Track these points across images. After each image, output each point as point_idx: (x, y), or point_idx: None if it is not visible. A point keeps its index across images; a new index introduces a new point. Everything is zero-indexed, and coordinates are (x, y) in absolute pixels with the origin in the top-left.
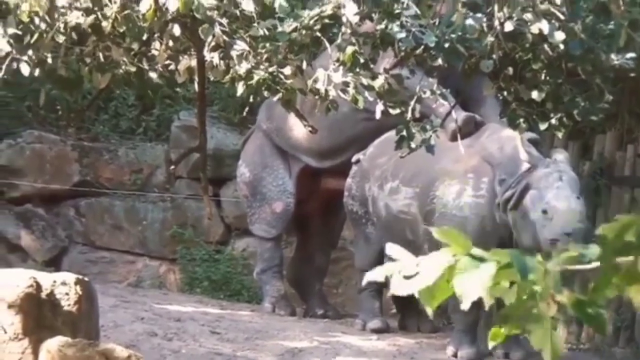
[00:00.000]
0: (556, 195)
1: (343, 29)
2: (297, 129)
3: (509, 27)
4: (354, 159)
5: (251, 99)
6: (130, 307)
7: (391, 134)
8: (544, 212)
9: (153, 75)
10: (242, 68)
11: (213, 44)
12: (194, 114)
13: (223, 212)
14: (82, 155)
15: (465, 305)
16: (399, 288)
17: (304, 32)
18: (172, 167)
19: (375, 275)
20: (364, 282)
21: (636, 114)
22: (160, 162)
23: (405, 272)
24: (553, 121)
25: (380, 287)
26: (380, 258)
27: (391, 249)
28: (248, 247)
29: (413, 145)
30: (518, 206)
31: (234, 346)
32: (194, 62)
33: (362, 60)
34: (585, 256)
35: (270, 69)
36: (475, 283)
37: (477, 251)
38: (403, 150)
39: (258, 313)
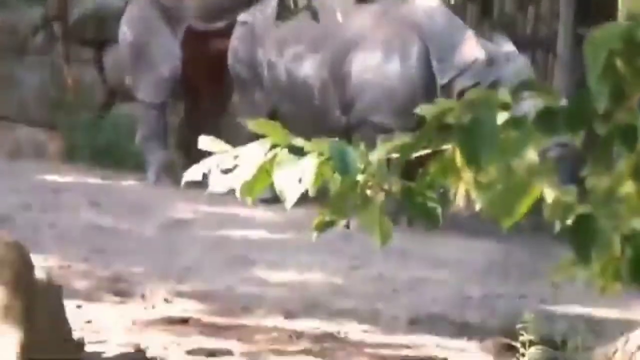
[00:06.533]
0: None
1: None
2: None
3: None
4: (240, 20)
5: None
6: (4, 178)
7: None
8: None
9: None
10: None
11: None
12: None
13: (106, 76)
14: None
15: (288, 204)
16: (218, 184)
17: None
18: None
19: (193, 174)
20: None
21: None
22: (37, 24)
23: (224, 166)
24: None
25: None
26: None
27: (205, 141)
28: (133, 112)
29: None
30: None
31: (115, 218)
32: None
33: None
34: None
35: None
36: (295, 179)
37: (297, 142)
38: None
39: (141, 183)
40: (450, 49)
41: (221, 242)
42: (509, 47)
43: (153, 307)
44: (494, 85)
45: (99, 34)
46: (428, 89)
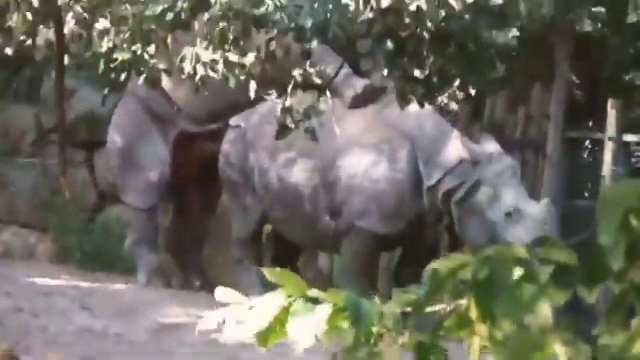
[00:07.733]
0: (517, 197)
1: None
2: (176, 94)
3: (386, 2)
4: (232, 123)
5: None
6: None
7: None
8: (508, 215)
9: (9, 51)
10: (104, 46)
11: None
12: (68, 76)
13: (97, 179)
14: None
15: (299, 351)
16: (233, 334)
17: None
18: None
19: (207, 323)
20: (198, 328)
21: (528, 75)
22: (30, 126)
23: (239, 317)
24: (443, 98)
25: (260, 257)
26: (259, 229)
27: (221, 294)
28: (123, 216)
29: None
30: (466, 200)
31: (106, 322)
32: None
33: (231, 37)
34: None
35: (134, 48)
36: (308, 329)
37: (312, 293)
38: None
39: (132, 287)
40: (436, 152)
41: (213, 345)
42: (494, 147)
43: None
44: (477, 184)
45: (90, 136)
46: (415, 191)
